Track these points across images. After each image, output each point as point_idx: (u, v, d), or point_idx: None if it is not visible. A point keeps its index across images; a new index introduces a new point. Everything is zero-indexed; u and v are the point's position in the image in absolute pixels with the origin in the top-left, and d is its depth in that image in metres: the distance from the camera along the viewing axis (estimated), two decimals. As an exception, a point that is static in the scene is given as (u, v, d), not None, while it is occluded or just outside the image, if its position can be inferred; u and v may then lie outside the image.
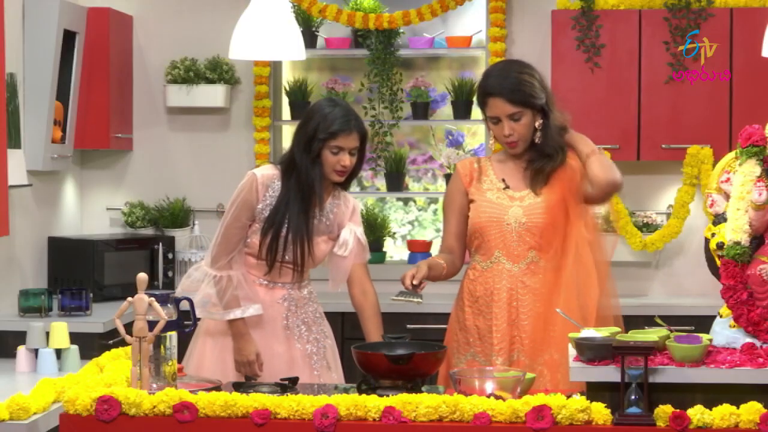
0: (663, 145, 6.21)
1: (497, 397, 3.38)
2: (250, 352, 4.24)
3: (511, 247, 4.14)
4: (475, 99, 6.64)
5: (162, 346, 3.52)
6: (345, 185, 4.37)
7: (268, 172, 4.28)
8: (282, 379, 3.83)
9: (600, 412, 3.26)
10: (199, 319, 4.16)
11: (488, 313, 4.16)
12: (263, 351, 4.27)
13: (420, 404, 3.30)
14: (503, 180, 4.22)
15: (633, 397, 3.29)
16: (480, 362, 4.12)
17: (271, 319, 4.30)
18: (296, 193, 4.22)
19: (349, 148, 4.22)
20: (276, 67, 6.67)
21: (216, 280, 4.24)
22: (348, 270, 4.35)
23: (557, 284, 4.09)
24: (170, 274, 6.37)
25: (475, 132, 6.81)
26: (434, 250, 6.62)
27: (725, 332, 3.65)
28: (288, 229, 4.21)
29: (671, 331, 3.61)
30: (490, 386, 3.46)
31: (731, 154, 3.75)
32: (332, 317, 4.71)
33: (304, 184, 4.21)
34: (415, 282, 4.02)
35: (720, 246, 3.63)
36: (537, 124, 4.16)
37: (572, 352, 3.55)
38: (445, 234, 4.31)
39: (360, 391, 3.63)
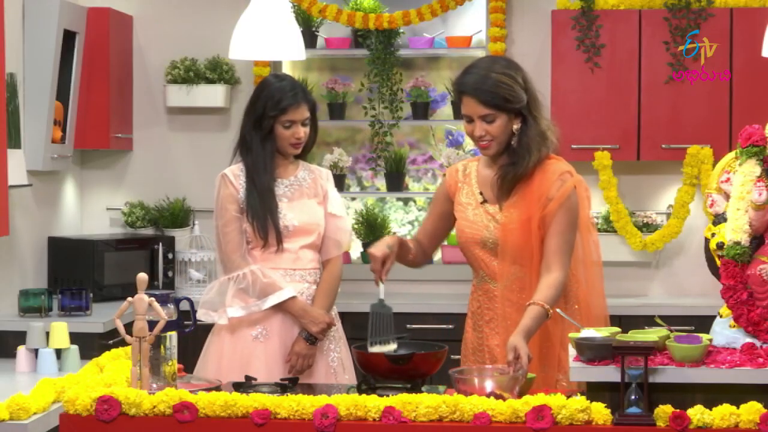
0: (663, 145, 6.21)
1: (497, 396, 3.38)
2: (323, 315, 4.28)
3: (493, 267, 4.01)
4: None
5: (162, 346, 3.52)
6: (303, 156, 4.46)
7: (233, 167, 4.42)
8: (282, 379, 3.83)
9: (600, 412, 3.25)
10: (199, 320, 4.16)
11: (480, 330, 4.09)
12: (282, 347, 4.28)
13: (420, 404, 3.29)
14: (481, 193, 4.06)
15: (633, 397, 3.29)
16: None
17: (289, 315, 4.31)
18: (254, 172, 4.31)
19: (301, 120, 4.32)
20: (276, 67, 6.67)
21: (240, 278, 4.28)
22: (350, 229, 4.50)
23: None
24: (170, 274, 6.37)
25: (475, 132, 6.81)
26: (434, 250, 6.63)
27: (725, 332, 3.65)
28: (264, 199, 4.29)
29: (671, 331, 3.61)
30: (489, 384, 3.46)
31: (731, 154, 3.75)
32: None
33: (260, 160, 4.31)
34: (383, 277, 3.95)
35: (720, 246, 3.63)
36: (515, 128, 3.94)
37: (572, 352, 3.55)
38: (421, 227, 4.27)
39: (360, 391, 3.63)
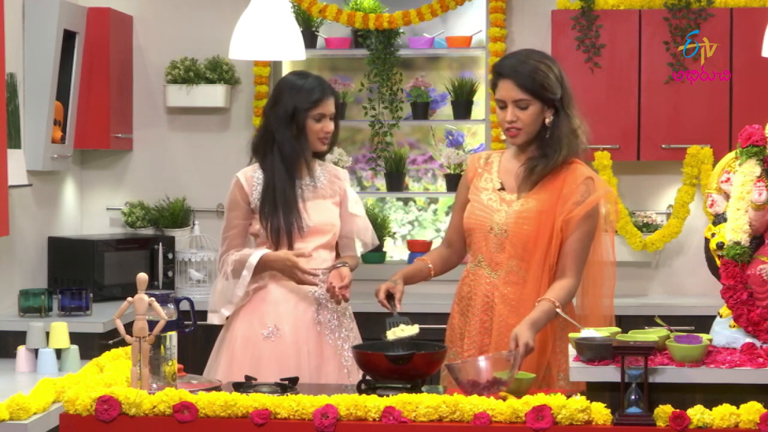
0: (663, 145, 6.21)
1: (494, 381, 3.40)
2: (285, 256, 4.25)
3: (492, 254, 4.01)
4: (475, 98, 6.65)
5: (162, 346, 3.52)
6: (323, 154, 4.48)
7: (247, 169, 4.42)
8: (282, 379, 3.82)
9: (600, 412, 3.25)
10: (198, 320, 4.17)
11: (467, 315, 4.08)
12: (294, 345, 4.28)
13: (420, 404, 3.30)
14: (501, 181, 4.07)
15: (633, 397, 3.29)
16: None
17: (302, 313, 4.31)
18: (281, 168, 4.31)
19: (330, 113, 4.35)
20: (276, 67, 6.67)
21: (220, 269, 4.33)
22: (371, 227, 4.50)
23: (534, 298, 3.91)
24: (170, 274, 6.37)
25: (475, 132, 6.82)
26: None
27: (725, 332, 3.65)
28: (280, 198, 4.29)
29: (671, 331, 3.61)
30: (484, 362, 3.50)
31: (731, 154, 3.75)
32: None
33: (291, 156, 4.31)
34: (398, 305, 3.99)
35: (720, 246, 3.63)
36: (547, 120, 3.99)
37: (572, 352, 3.55)
38: (449, 226, 4.28)
39: (360, 391, 3.63)
